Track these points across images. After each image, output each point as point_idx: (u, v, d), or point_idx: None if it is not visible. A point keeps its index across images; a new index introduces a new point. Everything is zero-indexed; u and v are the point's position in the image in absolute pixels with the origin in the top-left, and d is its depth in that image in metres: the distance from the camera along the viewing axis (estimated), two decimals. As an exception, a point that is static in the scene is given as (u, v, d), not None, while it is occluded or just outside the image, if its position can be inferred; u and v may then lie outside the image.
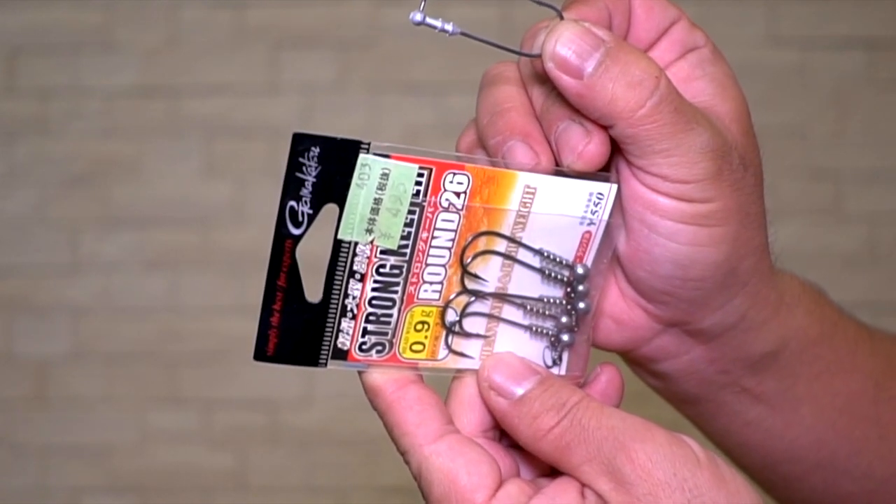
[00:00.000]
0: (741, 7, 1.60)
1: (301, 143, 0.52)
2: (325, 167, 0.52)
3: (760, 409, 0.65)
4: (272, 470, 1.64)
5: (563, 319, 0.57)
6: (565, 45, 0.53)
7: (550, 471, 0.55)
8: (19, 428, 1.64)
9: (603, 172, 0.56)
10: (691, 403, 0.66)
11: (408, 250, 0.54)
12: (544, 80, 0.55)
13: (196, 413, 1.64)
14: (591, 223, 0.56)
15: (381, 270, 0.54)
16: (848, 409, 0.67)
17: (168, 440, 1.64)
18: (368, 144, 0.52)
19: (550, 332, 0.57)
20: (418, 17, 0.53)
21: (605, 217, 0.56)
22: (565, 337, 0.57)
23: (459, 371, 0.57)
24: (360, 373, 0.55)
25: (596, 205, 0.56)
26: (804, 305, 0.64)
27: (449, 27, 0.54)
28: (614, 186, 0.56)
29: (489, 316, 0.56)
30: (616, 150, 0.56)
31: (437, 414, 0.54)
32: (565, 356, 0.58)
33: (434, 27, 0.54)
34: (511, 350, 0.57)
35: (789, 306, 0.62)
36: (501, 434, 0.56)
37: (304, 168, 0.52)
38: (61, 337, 1.64)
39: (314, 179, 0.52)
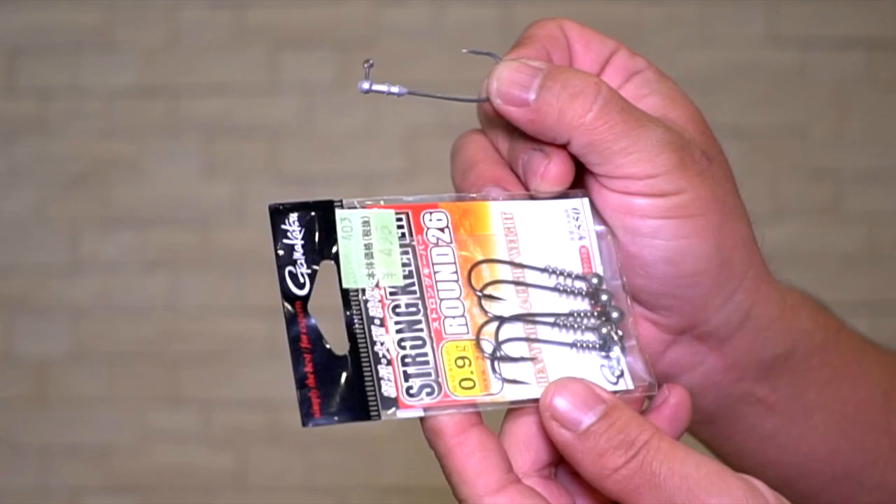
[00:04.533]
0: (741, 7, 1.60)
1: (277, 213, 0.54)
2: (308, 229, 0.54)
3: (775, 421, 0.65)
4: (272, 470, 1.64)
5: (603, 330, 0.56)
6: (506, 80, 0.56)
7: (608, 502, 0.54)
8: (19, 428, 1.64)
9: (571, 189, 0.57)
10: (708, 423, 0.65)
11: (416, 288, 0.55)
12: (501, 121, 0.58)
13: (196, 413, 1.64)
14: (582, 238, 0.57)
15: (398, 310, 0.54)
16: (858, 417, 0.67)
17: (168, 440, 1.64)
18: (341, 201, 0.55)
19: (598, 346, 0.56)
20: (365, 85, 0.57)
21: (591, 228, 0.57)
22: (615, 350, 0.56)
23: (518, 402, 0.55)
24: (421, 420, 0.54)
25: (577, 219, 0.57)
26: (807, 310, 0.64)
27: (395, 90, 0.58)
28: (585, 199, 0.57)
29: (527, 340, 0.56)
30: (583, 169, 0.57)
31: (498, 462, 0.53)
32: (625, 368, 0.56)
33: (382, 92, 0.57)
34: (566, 370, 0.55)
35: (793, 308, 0.63)
36: (556, 471, 0.55)
37: (288, 234, 0.54)
38: (61, 337, 1.64)
39: (302, 241, 0.54)
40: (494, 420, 0.56)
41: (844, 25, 1.61)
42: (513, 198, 0.57)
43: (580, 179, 0.58)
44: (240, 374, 1.64)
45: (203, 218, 1.64)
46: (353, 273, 0.54)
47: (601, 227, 0.58)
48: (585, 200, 0.57)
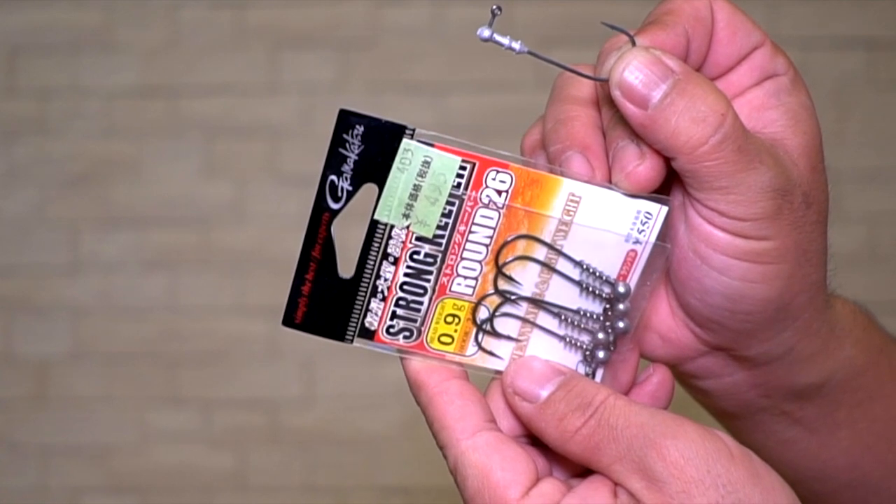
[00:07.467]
0: (741, 7, 1.60)
1: (346, 119, 0.53)
2: (367, 147, 0.53)
3: (797, 431, 0.65)
4: (272, 470, 1.64)
5: (600, 336, 0.56)
6: (632, 73, 0.52)
7: (583, 472, 0.54)
8: (19, 428, 1.64)
9: (655, 194, 0.55)
10: (729, 418, 0.65)
11: (443, 241, 0.54)
12: (612, 101, 0.54)
13: (196, 413, 1.64)
14: (637, 242, 0.55)
15: (415, 257, 0.54)
16: (886, 434, 0.66)
17: (168, 440, 1.64)
18: (413, 130, 0.53)
19: (585, 347, 0.56)
20: (486, 33, 0.53)
21: (652, 239, 0.55)
22: (600, 354, 0.56)
23: (486, 370, 0.56)
24: (403, 362, 0.55)
25: (644, 224, 0.55)
26: (854, 336, 0.63)
27: (516, 45, 0.54)
28: (664, 209, 0.55)
29: (523, 320, 0.56)
30: (678, 177, 0.55)
31: (478, 410, 0.54)
32: (599, 373, 0.57)
33: (501, 45, 0.53)
34: (543, 357, 0.56)
35: (839, 339, 0.61)
36: (535, 438, 0.56)
37: (347, 145, 0.53)
38: (61, 337, 1.64)
39: (356, 157, 0.53)
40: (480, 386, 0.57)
41: (844, 25, 1.61)
42: (590, 183, 0.54)
43: (667, 180, 0.55)
44: (240, 374, 1.64)
45: (203, 218, 1.64)
46: (391, 208, 0.53)
47: (665, 245, 0.55)
48: (664, 210, 0.55)
